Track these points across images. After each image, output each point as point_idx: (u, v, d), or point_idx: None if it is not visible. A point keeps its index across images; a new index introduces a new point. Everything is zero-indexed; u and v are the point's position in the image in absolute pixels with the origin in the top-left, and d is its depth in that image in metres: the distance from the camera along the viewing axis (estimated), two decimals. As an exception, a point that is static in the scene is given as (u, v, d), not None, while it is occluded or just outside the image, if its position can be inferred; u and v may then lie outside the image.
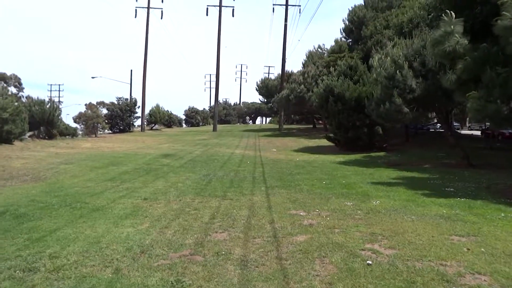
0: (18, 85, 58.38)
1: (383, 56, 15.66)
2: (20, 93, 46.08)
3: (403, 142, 21.98)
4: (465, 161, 13.58)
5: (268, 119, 73.01)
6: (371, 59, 17.10)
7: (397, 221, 6.02)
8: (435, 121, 24.35)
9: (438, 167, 13.38)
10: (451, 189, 8.91)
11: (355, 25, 34.59)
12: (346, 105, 19.22)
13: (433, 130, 30.23)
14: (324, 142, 23.32)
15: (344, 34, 37.36)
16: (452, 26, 9.56)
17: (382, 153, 18.09)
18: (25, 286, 3.69)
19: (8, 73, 54.75)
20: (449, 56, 9.74)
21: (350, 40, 36.58)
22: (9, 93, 25.13)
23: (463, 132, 33.43)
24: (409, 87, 13.99)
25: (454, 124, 33.74)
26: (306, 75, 34.22)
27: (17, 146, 18.95)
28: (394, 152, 18.20)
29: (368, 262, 4.26)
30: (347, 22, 36.13)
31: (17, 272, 4.00)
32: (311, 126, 42.22)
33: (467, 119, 47.44)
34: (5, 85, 40.99)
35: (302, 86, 32.96)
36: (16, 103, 21.14)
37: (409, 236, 5.23)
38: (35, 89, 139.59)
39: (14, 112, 19.59)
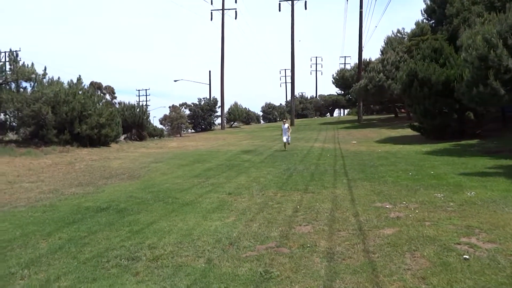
0: (112, 93, 64.45)
1: (472, 35, 14.36)
2: (114, 100, 50.80)
3: (500, 127, 19.94)
4: None
5: (346, 111, 71.04)
6: (458, 39, 15.79)
7: (497, 213, 5.53)
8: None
9: (544, 153, 11.95)
10: (562, 178, 7.93)
11: (438, 4, 32.04)
12: (432, 90, 17.95)
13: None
14: (408, 131, 22.12)
15: (425, 15, 34.81)
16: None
17: (475, 141, 16.63)
18: (130, 273, 4.07)
19: (104, 84, 60.89)
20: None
21: (433, 21, 33.98)
22: (104, 100, 27.84)
23: None
24: (504, 67, 12.67)
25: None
26: (385, 62, 32.75)
27: (113, 148, 20.87)
28: (489, 139, 16.63)
29: (464, 256, 3.98)
30: (428, 2, 33.63)
31: (122, 260, 4.44)
32: (393, 115, 40.23)
33: None
34: (100, 93, 45.37)
35: (381, 74, 31.62)
36: (110, 109, 23.32)
37: (512, 229, 4.78)
38: (125, 95, 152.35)
39: (109, 117, 21.59)
